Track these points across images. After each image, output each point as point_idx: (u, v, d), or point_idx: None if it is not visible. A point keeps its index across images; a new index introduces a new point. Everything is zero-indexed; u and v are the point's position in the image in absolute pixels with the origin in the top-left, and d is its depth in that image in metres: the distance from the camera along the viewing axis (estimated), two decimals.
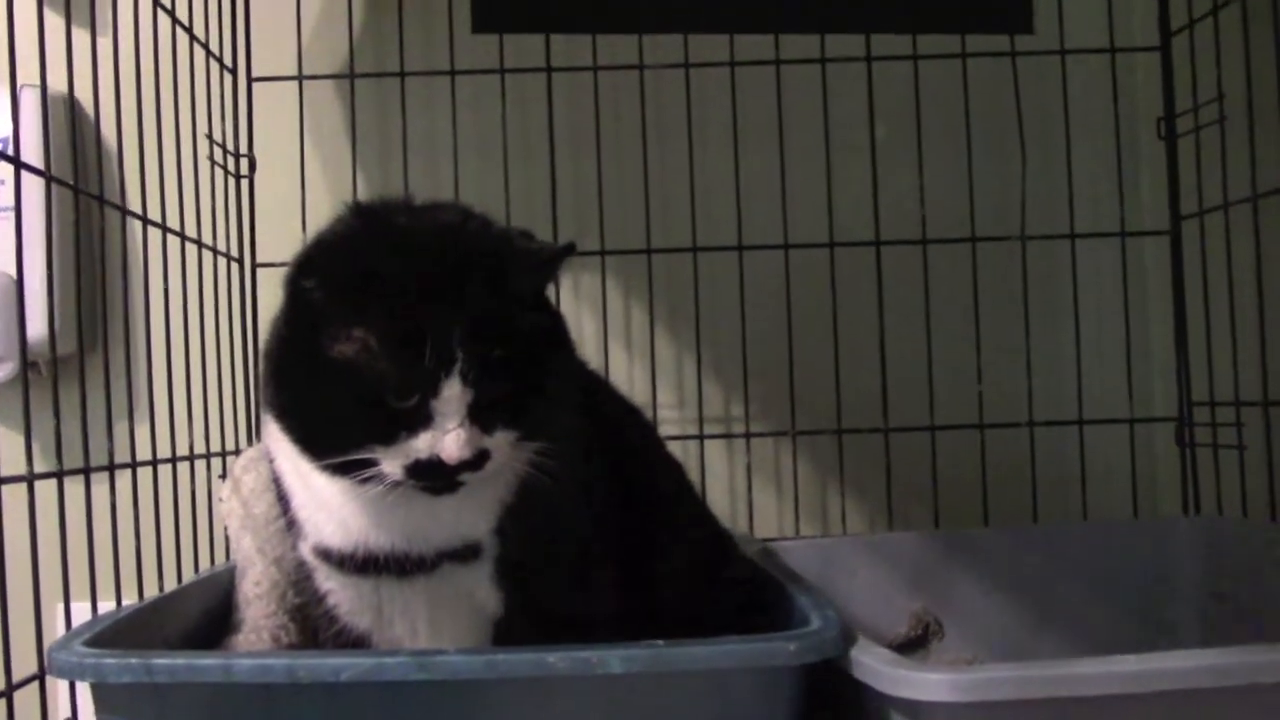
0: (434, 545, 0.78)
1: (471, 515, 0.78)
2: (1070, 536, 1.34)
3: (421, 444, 0.71)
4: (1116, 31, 1.45)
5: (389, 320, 0.71)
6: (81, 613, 0.91)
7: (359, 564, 0.78)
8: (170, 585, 1.06)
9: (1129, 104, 1.50)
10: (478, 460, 0.72)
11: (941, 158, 1.44)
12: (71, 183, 0.97)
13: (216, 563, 1.19)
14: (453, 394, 0.71)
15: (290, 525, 0.84)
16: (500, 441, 0.73)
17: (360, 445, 0.71)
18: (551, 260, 0.79)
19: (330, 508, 0.79)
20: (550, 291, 1.33)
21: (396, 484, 0.72)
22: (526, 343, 0.74)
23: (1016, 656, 1.29)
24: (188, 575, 1.11)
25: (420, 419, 0.71)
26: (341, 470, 0.73)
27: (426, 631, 0.81)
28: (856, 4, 1.47)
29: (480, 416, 0.72)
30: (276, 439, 0.80)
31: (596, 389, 0.96)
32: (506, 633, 0.81)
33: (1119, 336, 1.44)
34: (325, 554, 0.80)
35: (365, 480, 0.72)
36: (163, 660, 0.69)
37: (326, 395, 0.73)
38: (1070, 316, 1.44)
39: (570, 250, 0.79)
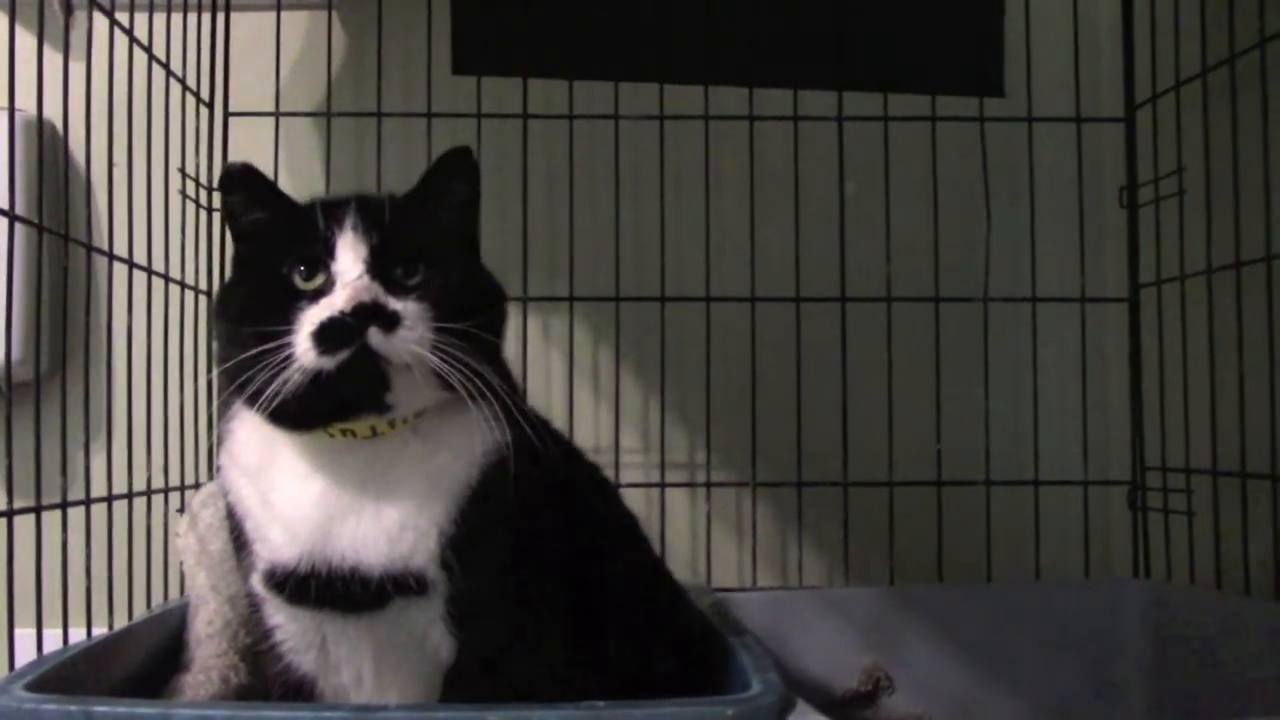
0: (379, 561, 0.77)
1: (412, 532, 0.77)
2: (1021, 595, 1.36)
3: (323, 306, 0.74)
4: (1083, 102, 1.48)
5: (288, 201, 0.83)
6: (26, 639, 0.90)
7: (301, 581, 0.78)
8: (122, 618, 1.06)
9: (1094, 172, 1.53)
10: (382, 315, 0.73)
11: (909, 217, 1.47)
12: (37, 219, 0.97)
13: (170, 597, 1.19)
14: (345, 245, 0.77)
15: (241, 551, 0.84)
16: (413, 313, 0.75)
17: (275, 322, 0.74)
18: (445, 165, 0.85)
19: (281, 510, 0.79)
20: (519, 330, 1.37)
21: (313, 379, 0.72)
22: (429, 229, 0.81)
23: (965, 713, 1.30)
24: (140, 609, 1.11)
25: (326, 294, 0.75)
26: (263, 346, 0.73)
27: (372, 682, 0.82)
28: (831, 61, 1.49)
29: (384, 277, 0.76)
30: (231, 435, 0.83)
31: (556, 444, 0.96)
32: (456, 684, 0.81)
33: (1077, 400, 1.46)
34: (272, 575, 0.79)
35: (281, 365, 0.72)
36: (103, 708, 0.69)
37: (249, 284, 0.81)
38: (1030, 378, 1.46)
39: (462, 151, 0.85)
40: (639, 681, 0.85)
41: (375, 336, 0.73)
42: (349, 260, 0.76)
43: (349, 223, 0.78)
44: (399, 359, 0.73)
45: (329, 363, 0.72)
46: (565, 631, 0.84)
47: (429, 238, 0.81)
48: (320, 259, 0.77)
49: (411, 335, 0.74)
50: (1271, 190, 1.20)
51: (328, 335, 0.73)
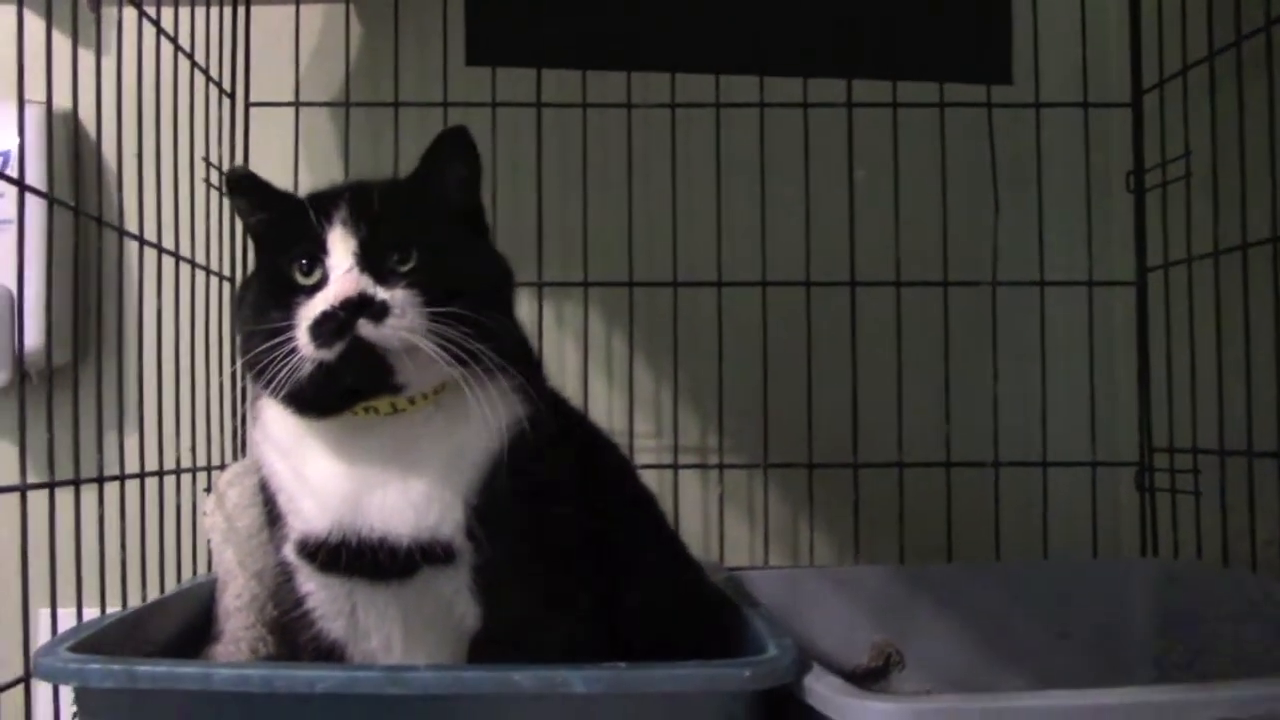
0: (407, 531, 0.80)
1: (438, 504, 0.80)
2: (1030, 574, 1.37)
3: (318, 300, 0.78)
4: (1090, 87, 1.50)
5: (287, 199, 0.87)
6: (66, 619, 0.93)
7: (333, 551, 0.81)
8: (153, 595, 1.09)
9: (1102, 157, 1.54)
10: (370, 306, 0.76)
11: (917, 202, 1.48)
12: (72, 203, 1.00)
13: (199, 574, 1.21)
14: (335, 239, 0.80)
15: (274, 524, 0.88)
16: (402, 300, 0.77)
17: (280, 317, 0.78)
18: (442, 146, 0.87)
19: (312, 484, 0.82)
20: (534, 316, 1.40)
21: (320, 369, 0.76)
22: (423, 212, 0.84)
23: (973, 690, 1.32)
24: (170, 585, 1.14)
25: (322, 288, 0.79)
26: (272, 340, 0.77)
27: (400, 648, 0.84)
28: (840, 49, 1.52)
29: (374, 269, 0.79)
30: (261, 414, 0.87)
31: (575, 421, 0.99)
32: (481, 651, 0.84)
33: (1084, 382, 1.48)
34: (304, 545, 0.83)
35: (288, 357, 0.76)
36: (145, 667, 0.72)
37: (259, 280, 0.84)
38: (1038, 361, 1.48)
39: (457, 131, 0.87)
40: (658, 648, 0.88)
41: (365, 328, 0.76)
42: (339, 254, 0.80)
43: (339, 216, 0.81)
44: (391, 346, 0.77)
45: (328, 354, 0.76)
46: (587, 600, 0.87)
47: (423, 222, 0.84)
48: (315, 254, 0.80)
49: (401, 323, 0.77)
50: (1277, 173, 1.21)
51: (322, 329, 0.76)
